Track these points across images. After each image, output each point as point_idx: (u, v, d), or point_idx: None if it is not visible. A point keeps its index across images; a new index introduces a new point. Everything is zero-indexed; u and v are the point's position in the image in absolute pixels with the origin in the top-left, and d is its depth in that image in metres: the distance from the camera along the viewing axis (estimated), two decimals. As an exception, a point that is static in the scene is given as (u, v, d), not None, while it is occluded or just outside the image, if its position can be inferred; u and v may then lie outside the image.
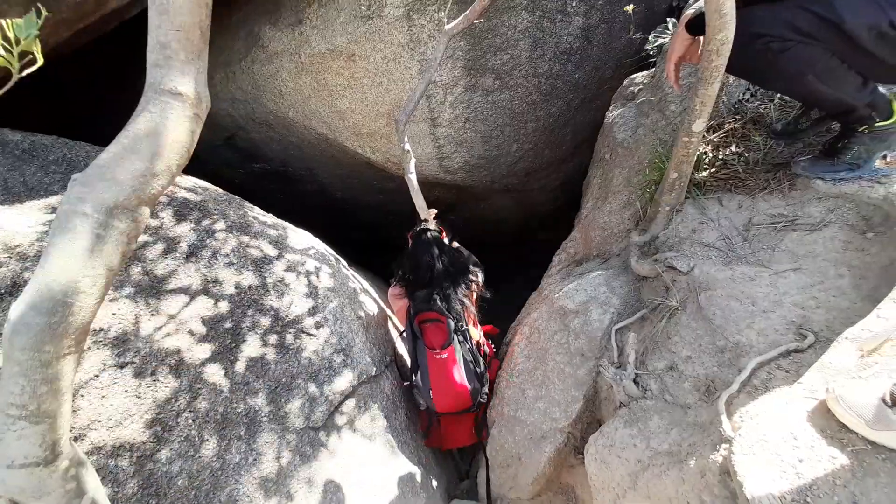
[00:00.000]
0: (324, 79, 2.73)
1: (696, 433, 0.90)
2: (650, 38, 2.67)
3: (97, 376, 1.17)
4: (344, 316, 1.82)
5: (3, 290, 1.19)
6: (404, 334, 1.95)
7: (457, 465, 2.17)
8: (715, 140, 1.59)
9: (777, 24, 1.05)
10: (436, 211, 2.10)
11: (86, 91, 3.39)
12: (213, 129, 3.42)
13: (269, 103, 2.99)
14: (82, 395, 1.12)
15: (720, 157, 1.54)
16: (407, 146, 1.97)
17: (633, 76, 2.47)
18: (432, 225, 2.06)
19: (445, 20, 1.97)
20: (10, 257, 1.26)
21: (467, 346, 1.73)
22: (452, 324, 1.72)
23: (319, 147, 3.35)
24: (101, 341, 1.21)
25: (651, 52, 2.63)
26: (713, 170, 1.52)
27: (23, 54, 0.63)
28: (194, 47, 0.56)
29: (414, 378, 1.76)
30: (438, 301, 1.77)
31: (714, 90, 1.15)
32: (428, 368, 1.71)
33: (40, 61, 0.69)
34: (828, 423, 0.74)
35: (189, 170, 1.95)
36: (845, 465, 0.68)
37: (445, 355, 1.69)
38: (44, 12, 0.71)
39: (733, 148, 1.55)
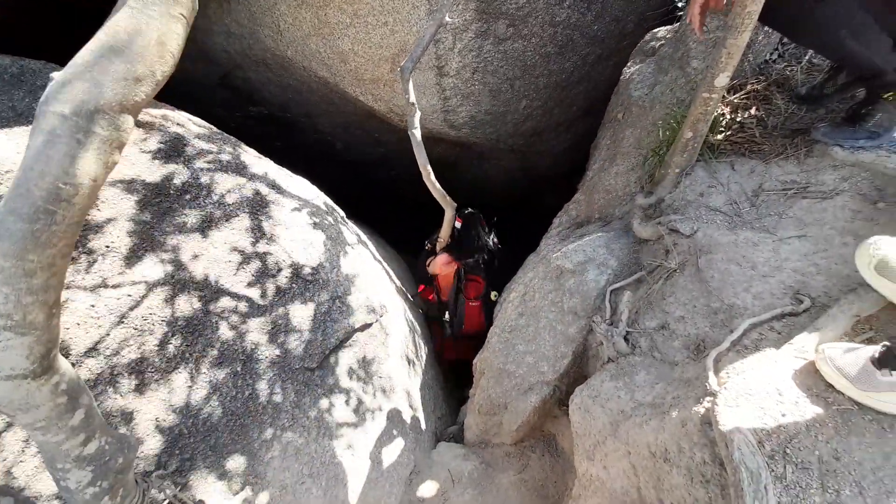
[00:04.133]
0: (325, 14, 2.55)
1: (681, 388, 0.92)
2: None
3: (93, 306, 1.17)
4: (339, 265, 1.81)
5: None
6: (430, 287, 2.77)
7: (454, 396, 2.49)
8: (735, 101, 1.52)
9: None
10: (455, 205, 2.44)
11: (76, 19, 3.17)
12: (208, 65, 3.24)
13: (266, 39, 2.82)
14: (78, 325, 1.13)
15: (738, 119, 1.48)
16: (412, 98, 1.87)
17: (655, 31, 2.33)
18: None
19: (459, -50, 1.81)
20: (2, 183, 1.22)
21: (489, 298, 2.52)
22: (485, 284, 2.54)
23: (319, 92, 3.20)
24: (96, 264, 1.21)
25: (678, 5, 2.46)
26: (729, 133, 1.46)
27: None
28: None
29: (448, 316, 2.54)
30: (482, 268, 2.56)
31: (744, 41, 1.07)
32: (464, 311, 2.52)
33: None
34: (815, 382, 0.75)
35: (183, 109, 1.87)
36: (829, 422, 0.70)
37: (476, 304, 2.53)
38: None
39: (753, 111, 1.49)
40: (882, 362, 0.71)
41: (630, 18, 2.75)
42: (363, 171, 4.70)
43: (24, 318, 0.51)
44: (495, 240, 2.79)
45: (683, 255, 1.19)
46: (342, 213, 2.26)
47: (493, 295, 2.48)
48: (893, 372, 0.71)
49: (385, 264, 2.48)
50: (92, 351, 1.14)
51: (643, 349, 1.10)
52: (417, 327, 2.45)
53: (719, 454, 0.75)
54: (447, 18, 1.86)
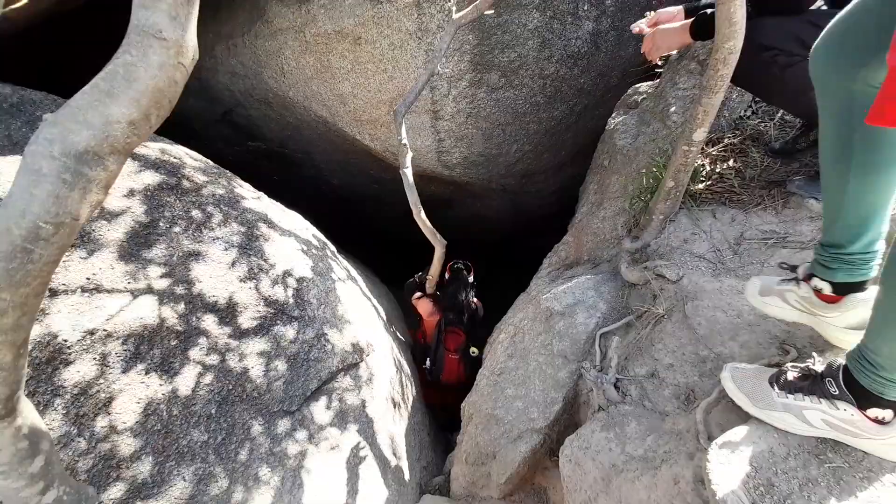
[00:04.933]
0: (327, 60, 2.69)
1: (672, 441, 0.89)
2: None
3: (66, 340, 1.12)
4: (328, 302, 1.79)
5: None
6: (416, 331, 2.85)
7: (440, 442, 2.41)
8: (713, 153, 1.59)
9: (785, 37, 1.04)
10: (446, 242, 2.49)
11: (75, 55, 3.29)
12: (211, 102, 3.34)
13: (269, 80, 2.94)
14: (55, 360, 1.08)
15: (717, 170, 1.55)
16: (405, 140, 1.94)
17: (637, 85, 2.48)
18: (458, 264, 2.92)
19: (454, 9, 1.94)
20: None
21: (468, 352, 2.54)
22: (465, 338, 2.58)
23: (318, 130, 3.30)
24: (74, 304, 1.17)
25: (659, 64, 2.64)
26: (709, 182, 1.52)
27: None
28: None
29: (429, 364, 2.54)
30: (463, 321, 2.63)
31: (718, 100, 1.14)
32: (444, 362, 2.54)
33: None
34: (804, 438, 0.74)
35: (184, 144, 1.91)
36: (822, 481, 0.68)
37: (456, 357, 2.54)
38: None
39: (731, 163, 1.56)
40: (778, 384, 0.75)
41: (614, 73, 2.93)
42: (358, 207, 4.76)
43: (-9, 360, 0.49)
44: (475, 299, 2.83)
45: (671, 301, 1.20)
46: (333, 248, 2.26)
47: (472, 350, 2.52)
48: (788, 395, 0.76)
49: (374, 301, 2.45)
50: (61, 390, 1.08)
51: (634, 398, 1.08)
52: (406, 366, 2.39)
53: (713, 515, 0.71)
54: (439, 68, 1.96)
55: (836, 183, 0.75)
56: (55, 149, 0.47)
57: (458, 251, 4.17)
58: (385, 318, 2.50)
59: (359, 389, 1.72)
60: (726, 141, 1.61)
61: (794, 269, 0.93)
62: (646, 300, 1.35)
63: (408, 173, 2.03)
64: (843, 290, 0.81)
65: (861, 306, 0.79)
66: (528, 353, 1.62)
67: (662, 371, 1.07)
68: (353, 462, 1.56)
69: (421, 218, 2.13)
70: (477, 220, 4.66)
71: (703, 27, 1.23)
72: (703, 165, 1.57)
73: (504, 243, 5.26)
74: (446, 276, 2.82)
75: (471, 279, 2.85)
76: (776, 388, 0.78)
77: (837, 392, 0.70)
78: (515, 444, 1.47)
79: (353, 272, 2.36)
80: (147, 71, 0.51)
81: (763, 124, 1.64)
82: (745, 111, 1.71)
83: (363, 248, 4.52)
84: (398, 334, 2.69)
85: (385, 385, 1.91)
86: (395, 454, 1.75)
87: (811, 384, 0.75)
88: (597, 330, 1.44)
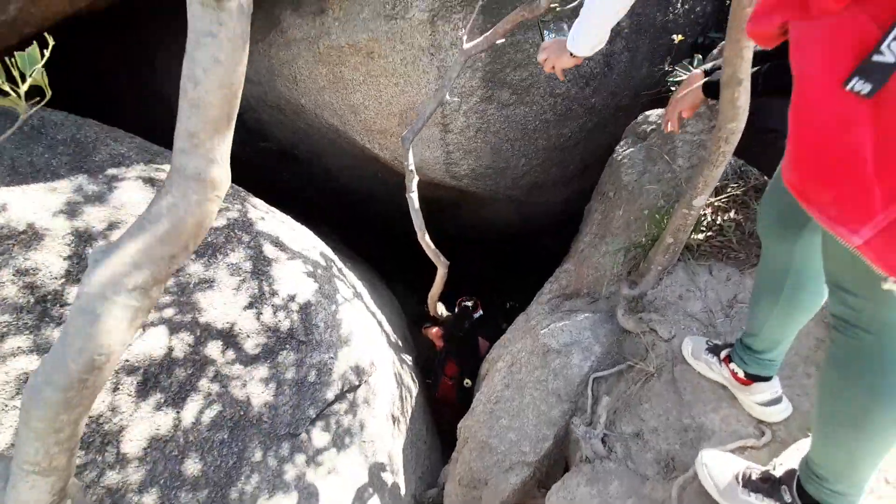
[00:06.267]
0: (340, 72, 2.70)
1: (649, 506, 0.97)
2: (672, 72, 2.66)
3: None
4: (334, 324, 1.86)
5: (5, 280, 1.22)
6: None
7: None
8: (716, 204, 1.62)
9: (787, 121, 1.07)
10: (448, 263, 2.57)
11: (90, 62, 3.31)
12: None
13: (282, 88, 2.95)
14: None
15: (718, 221, 1.58)
16: (412, 166, 1.98)
17: (647, 113, 2.47)
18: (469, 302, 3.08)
19: (465, 38, 1.95)
20: (15, 244, 1.27)
21: (462, 382, 2.69)
22: (459, 371, 2.72)
23: (328, 136, 3.33)
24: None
25: (671, 87, 2.63)
26: (710, 234, 1.56)
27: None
28: (221, 134, 0.57)
29: (432, 378, 2.82)
30: (465, 355, 2.79)
31: (718, 172, 1.17)
32: (439, 382, 2.77)
33: (48, 94, 0.69)
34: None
35: None
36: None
37: (451, 382, 2.73)
38: (49, 41, 0.71)
39: (732, 214, 1.59)
40: (744, 480, 0.82)
41: (625, 94, 2.92)
42: (366, 206, 4.80)
43: (49, 464, 0.56)
44: (482, 340, 2.95)
45: (661, 359, 1.26)
46: (340, 265, 2.33)
47: (466, 382, 2.64)
48: (752, 494, 0.83)
49: (379, 314, 2.53)
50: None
51: (619, 455, 1.16)
52: (406, 377, 2.48)
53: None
54: (448, 97, 1.98)
55: (765, 307, 0.89)
56: (106, 291, 0.53)
57: (466, 250, 4.27)
58: (388, 329, 2.58)
59: (361, 410, 1.81)
60: (729, 191, 1.63)
61: (716, 347, 1.11)
62: (639, 351, 1.41)
63: (413, 198, 2.07)
64: (753, 378, 1.00)
65: (767, 390, 1.00)
66: (524, 387, 1.70)
67: (647, 433, 1.14)
68: (355, 479, 1.66)
69: (425, 241, 2.19)
70: (484, 221, 4.70)
71: (715, 88, 1.26)
72: (705, 215, 1.61)
73: (511, 241, 5.30)
74: (455, 310, 3.04)
75: (478, 314, 3.04)
76: (741, 483, 0.85)
77: (790, 500, 0.77)
78: (507, 474, 1.56)
79: (359, 286, 2.43)
80: (188, 210, 0.56)
81: (766, 175, 1.67)
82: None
83: (370, 243, 4.63)
84: (399, 343, 2.78)
85: (386, 403, 2.00)
86: (392, 471, 1.86)
87: (770, 487, 0.81)
88: (591, 373, 1.51)
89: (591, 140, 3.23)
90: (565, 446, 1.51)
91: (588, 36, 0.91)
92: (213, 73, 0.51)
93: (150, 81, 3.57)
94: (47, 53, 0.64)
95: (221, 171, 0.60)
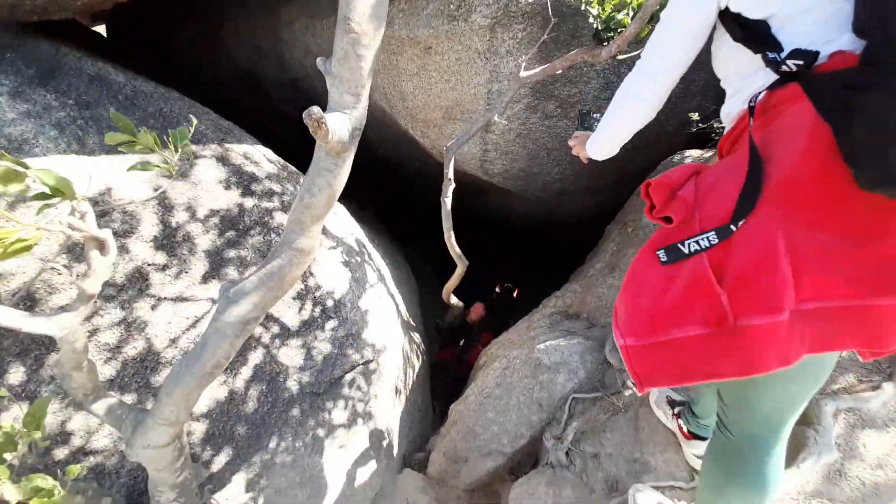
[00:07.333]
0: (396, 60, 2.79)
1: (590, 515, 1.23)
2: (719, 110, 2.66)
3: (170, 322, 1.50)
4: (358, 306, 2.13)
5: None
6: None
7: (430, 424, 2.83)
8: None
9: None
10: (468, 263, 2.83)
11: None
12: (283, 69, 3.51)
13: (338, 64, 3.07)
14: (157, 336, 1.47)
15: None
16: (450, 174, 2.14)
17: (687, 152, 2.53)
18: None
19: (523, 65, 2.04)
20: (118, 222, 1.52)
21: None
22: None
23: (373, 114, 3.46)
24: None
25: (717, 130, 2.64)
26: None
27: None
28: (319, 222, 0.79)
29: (463, 343, 3.29)
30: (498, 329, 2.96)
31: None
32: (473, 350, 3.16)
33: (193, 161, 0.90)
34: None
35: (255, 102, 2.11)
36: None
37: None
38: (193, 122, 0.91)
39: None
40: None
41: (672, 122, 2.93)
42: (399, 174, 4.99)
43: (176, 419, 0.84)
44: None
45: (631, 398, 1.48)
46: (370, 250, 2.57)
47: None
48: None
49: (397, 295, 2.79)
50: (161, 357, 1.48)
51: (577, 468, 1.41)
52: (413, 354, 2.79)
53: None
54: (496, 118, 2.10)
55: (702, 385, 1.08)
56: (233, 319, 0.77)
57: (490, 238, 4.49)
58: (403, 310, 2.86)
59: (370, 380, 2.12)
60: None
61: (673, 403, 1.32)
62: (615, 385, 1.63)
63: (447, 203, 2.25)
64: (694, 435, 1.21)
65: (703, 446, 1.19)
66: (513, 389, 1.96)
67: (603, 457, 1.38)
68: (357, 438, 1.99)
69: (451, 242, 2.39)
70: (511, 210, 4.83)
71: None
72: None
73: (536, 234, 5.45)
74: (497, 290, 3.67)
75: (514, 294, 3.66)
76: None
77: None
78: (485, 459, 1.86)
79: (384, 268, 2.68)
80: (291, 271, 0.79)
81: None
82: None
83: (398, 208, 4.93)
84: (412, 321, 3.07)
85: (392, 377, 2.31)
86: (388, 434, 2.19)
87: None
88: (571, 393, 1.75)
89: (629, 159, 3.27)
90: (537, 447, 1.78)
91: (602, 149, 1.03)
92: (325, 192, 0.71)
93: (214, 47, 3.74)
94: (191, 129, 0.84)
95: (314, 244, 0.81)
